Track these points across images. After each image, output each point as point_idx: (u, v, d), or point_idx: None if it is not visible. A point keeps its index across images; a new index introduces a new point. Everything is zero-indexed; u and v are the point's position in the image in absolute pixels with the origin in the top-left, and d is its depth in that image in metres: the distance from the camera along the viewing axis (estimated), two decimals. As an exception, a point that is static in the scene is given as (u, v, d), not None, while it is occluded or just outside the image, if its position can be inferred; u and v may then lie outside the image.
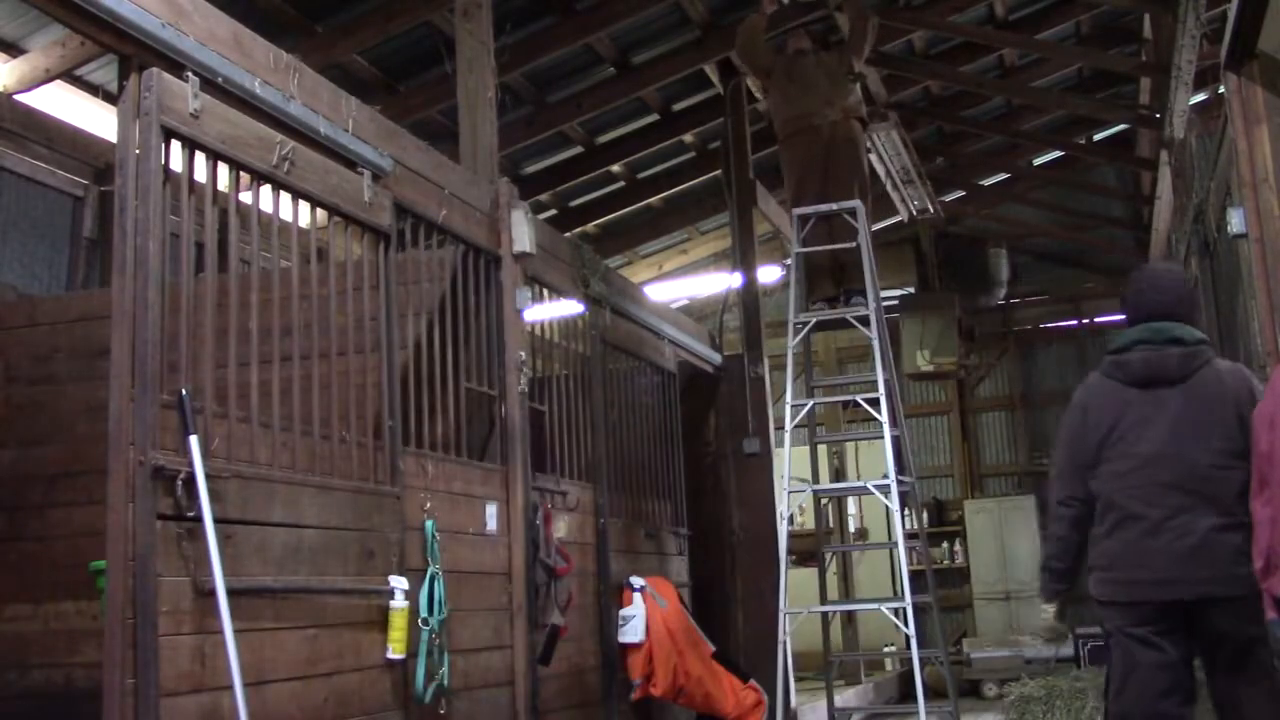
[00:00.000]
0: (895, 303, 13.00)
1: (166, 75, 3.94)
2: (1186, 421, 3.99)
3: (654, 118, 10.41)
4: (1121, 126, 12.73)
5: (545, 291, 6.67)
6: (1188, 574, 3.89)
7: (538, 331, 6.70)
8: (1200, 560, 3.89)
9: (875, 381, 7.03)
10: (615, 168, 11.10)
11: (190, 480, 3.78)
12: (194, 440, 3.80)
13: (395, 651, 4.68)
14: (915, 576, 7.83)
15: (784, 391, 7.44)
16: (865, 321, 7.27)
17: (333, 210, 4.77)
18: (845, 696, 9.64)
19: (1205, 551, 3.89)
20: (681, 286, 14.01)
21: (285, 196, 4.55)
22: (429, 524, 5.08)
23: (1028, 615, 12.81)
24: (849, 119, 7.67)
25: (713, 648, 7.34)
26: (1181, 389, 4.04)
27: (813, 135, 7.67)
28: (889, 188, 11.39)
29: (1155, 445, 4.00)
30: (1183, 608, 3.94)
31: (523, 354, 6.12)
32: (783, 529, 7.41)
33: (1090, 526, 4.17)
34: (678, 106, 10.43)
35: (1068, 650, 11.12)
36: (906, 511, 9.87)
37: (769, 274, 12.38)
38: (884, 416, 6.95)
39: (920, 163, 11.25)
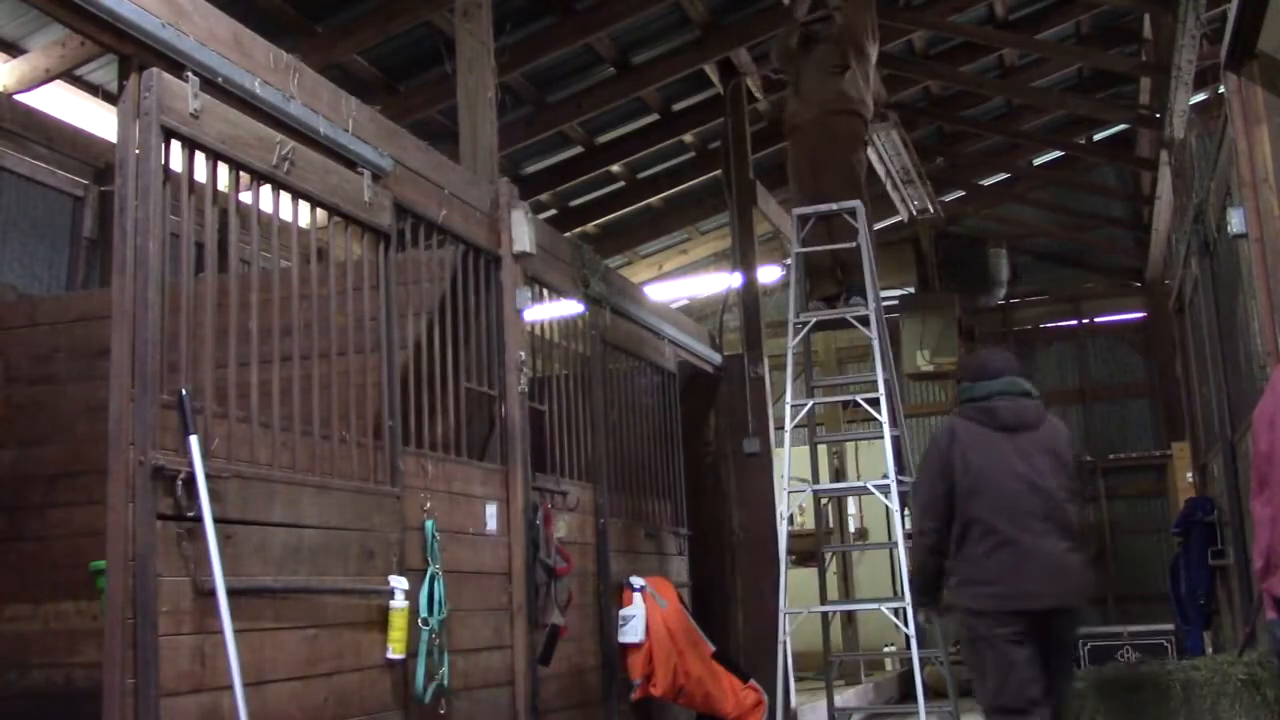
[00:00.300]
0: (895, 303, 12.99)
1: (166, 75, 3.94)
2: (1042, 461, 4.78)
3: (654, 118, 10.41)
4: (1121, 126, 12.74)
5: (545, 291, 6.66)
6: (1052, 588, 4.68)
7: (538, 331, 6.70)
8: (1061, 577, 4.70)
9: (875, 381, 7.03)
10: (615, 168, 11.10)
11: (190, 480, 3.78)
12: (194, 440, 3.80)
13: (395, 651, 4.68)
14: (915, 576, 7.83)
15: (784, 391, 7.44)
16: (865, 321, 7.26)
17: (333, 210, 4.77)
18: (845, 696, 9.63)
19: (1064, 569, 4.71)
20: (681, 286, 14.01)
21: (285, 196, 4.55)
22: (429, 524, 5.08)
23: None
24: (836, 114, 7.61)
25: (713, 648, 7.34)
26: (1036, 435, 4.82)
27: (802, 134, 7.68)
28: (889, 188, 11.39)
29: (1023, 481, 4.73)
30: (1042, 615, 4.67)
31: (523, 354, 6.12)
32: (783, 529, 7.41)
33: (944, 552, 4.87)
34: (678, 106, 10.43)
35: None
36: (906, 511, 9.85)
37: (769, 274, 12.38)
38: (884, 416, 6.96)
39: (920, 163, 11.25)
